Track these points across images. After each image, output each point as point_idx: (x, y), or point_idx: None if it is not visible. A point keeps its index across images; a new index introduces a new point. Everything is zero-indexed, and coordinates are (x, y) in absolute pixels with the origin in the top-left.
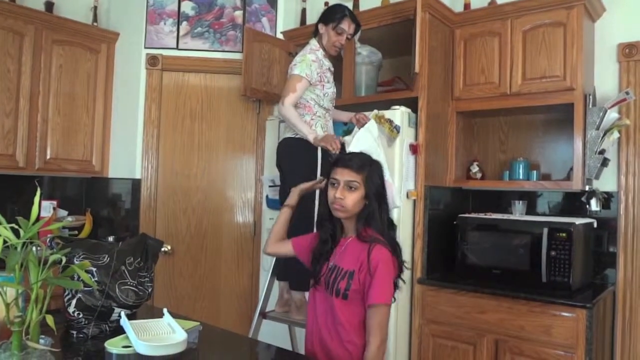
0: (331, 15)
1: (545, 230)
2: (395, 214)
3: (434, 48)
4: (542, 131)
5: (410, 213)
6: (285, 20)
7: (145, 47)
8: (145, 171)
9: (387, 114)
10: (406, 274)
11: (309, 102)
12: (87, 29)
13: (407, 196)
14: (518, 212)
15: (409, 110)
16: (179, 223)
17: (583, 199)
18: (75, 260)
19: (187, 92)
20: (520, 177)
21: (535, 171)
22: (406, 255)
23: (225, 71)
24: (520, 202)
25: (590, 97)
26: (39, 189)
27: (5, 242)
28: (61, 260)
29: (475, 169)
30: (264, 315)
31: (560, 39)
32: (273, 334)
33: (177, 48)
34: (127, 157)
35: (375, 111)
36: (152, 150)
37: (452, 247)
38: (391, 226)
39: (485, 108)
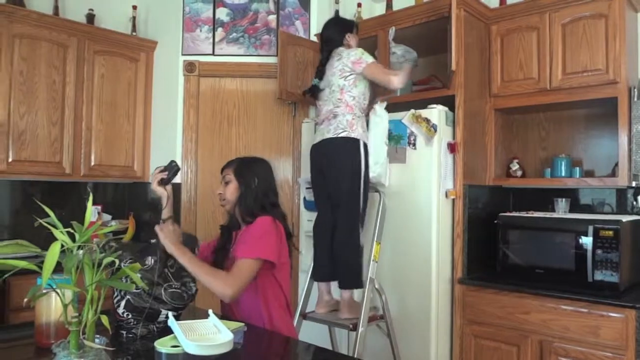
0: (353, 24)
1: (591, 229)
2: (434, 214)
3: (470, 45)
4: (584, 126)
5: (449, 212)
6: (318, 22)
7: (182, 54)
8: (185, 175)
9: (424, 113)
10: (446, 274)
11: (350, 102)
12: (127, 38)
13: (446, 195)
14: (561, 210)
15: (446, 108)
16: (216, 224)
17: (630, 195)
18: (122, 265)
19: (224, 97)
20: (563, 174)
21: (577, 168)
22: (446, 254)
23: (261, 75)
24: (564, 199)
25: (635, 90)
26: (91, 195)
27: (61, 245)
28: (113, 263)
29: (515, 166)
30: (304, 316)
31: (601, 31)
32: (310, 334)
33: (213, 54)
34: (167, 162)
35: (412, 111)
36: (191, 154)
37: (492, 247)
38: (274, 209)
39: (525, 104)
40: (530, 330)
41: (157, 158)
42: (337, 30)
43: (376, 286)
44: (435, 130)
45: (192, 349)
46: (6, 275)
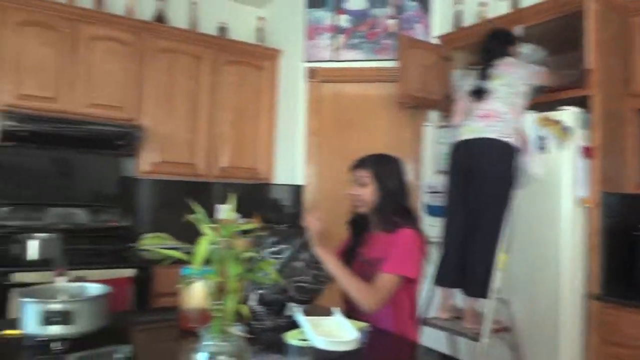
0: (515, 39)
1: None
2: (565, 223)
3: (606, 41)
4: None
5: (582, 222)
6: (439, 24)
7: (304, 61)
8: (307, 177)
9: (555, 115)
10: (578, 288)
11: (522, 109)
12: (254, 48)
13: (580, 203)
14: None
15: (579, 110)
16: (338, 227)
17: None
18: (265, 255)
19: (344, 102)
20: None
21: None
22: (577, 267)
23: (381, 79)
24: None
25: None
26: (232, 196)
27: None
28: (254, 258)
29: None
30: (424, 321)
31: None
32: (434, 340)
33: (334, 60)
34: (290, 165)
35: (541, 114)
36: (314, 157)
37: (632, 261)
38: (410, 215)
39: None
40: None
41: (280, 161)
42: (499, 43)
43: (502, 297)
44: (569, 134)
45: (320, 344)
46: (162, 263)
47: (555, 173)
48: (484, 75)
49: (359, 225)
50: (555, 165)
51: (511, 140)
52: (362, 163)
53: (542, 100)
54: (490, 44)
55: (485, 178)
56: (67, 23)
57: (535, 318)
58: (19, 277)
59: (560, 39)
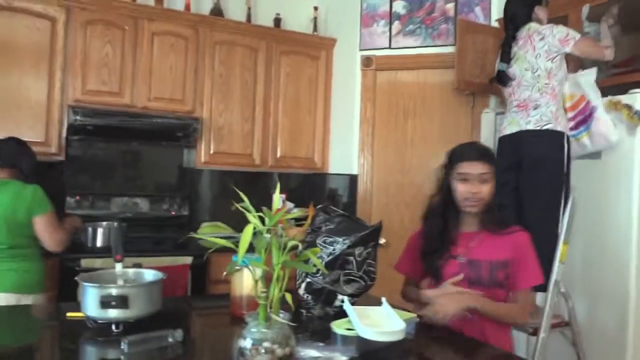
0: None
1: None
2: (635, 214)
3: None
4: None
5: None
6: (499, 7)
7: (360, 50)
8: (362, 167)
9: (625, 99)
10: None
11: (556, 88)
12: (309, 38)
13: None
14: None
15: None
16: (393, 217)
17: None
18: (317, 242)
19: (400, 90)
20: None
21: None
22: None
23: (438, 66)
24: None
25: None
26: (278, 184)
27: (254, 228)
28: (298, 247)
29: None
30: None
31: None
32: None
33: (389, 47)
34: (345, 154)
35: (610, 97)
36: (367, 147)
37: None
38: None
39: None
40: None
41: (335, 150)
42: (523, 4)
43: (562, 290)
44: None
45: (365, 334)
46: (209, 252)
47: (626, 160)
48: (505, 58)
49: (437, 221)
50: (625, 152)
51: (552, 125)
52: (484, 156)
53: (612, 83)
54: (513, 8)
55: (534, 172)
56: (129, 20)
57: (600, 314)
58: (88, 262)
59: (632, 18)
